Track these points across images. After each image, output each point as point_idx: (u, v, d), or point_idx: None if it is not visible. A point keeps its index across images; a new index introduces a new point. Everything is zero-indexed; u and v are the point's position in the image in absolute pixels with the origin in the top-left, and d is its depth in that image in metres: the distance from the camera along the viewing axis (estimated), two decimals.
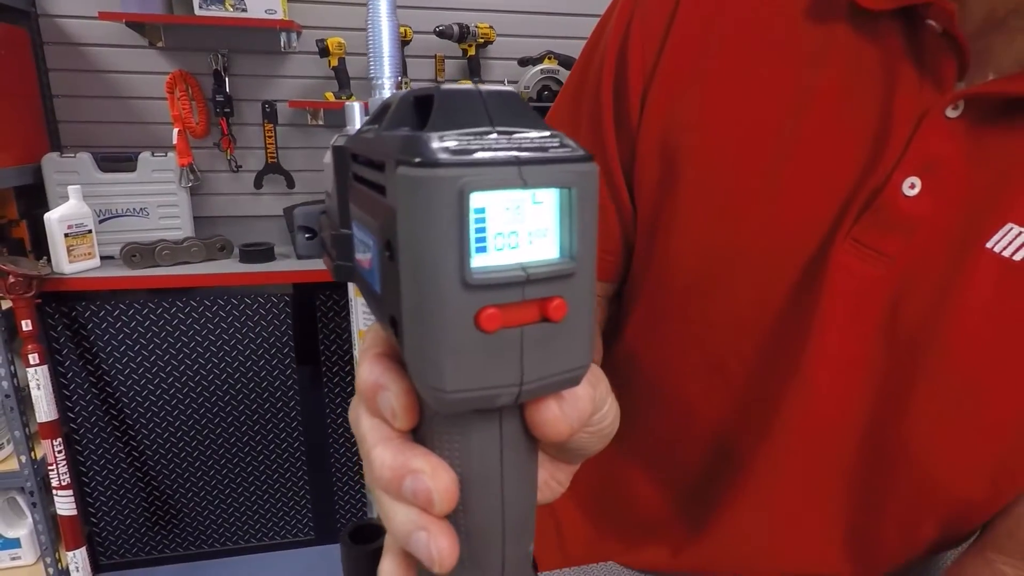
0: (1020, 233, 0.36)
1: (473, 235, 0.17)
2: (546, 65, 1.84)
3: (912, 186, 0.38)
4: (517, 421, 0.21)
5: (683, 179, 0.45)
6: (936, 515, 0.41)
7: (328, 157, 0.26)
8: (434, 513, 0.20)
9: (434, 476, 0.20)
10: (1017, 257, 0.36)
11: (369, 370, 0.22)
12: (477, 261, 0.17)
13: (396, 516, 0.21)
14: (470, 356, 0.17)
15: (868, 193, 0.39)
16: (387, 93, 0.49)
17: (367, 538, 0.29)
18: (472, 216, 0.17)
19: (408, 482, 0.20)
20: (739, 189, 0.43)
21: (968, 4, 0.36)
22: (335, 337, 1.96)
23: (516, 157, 0.17)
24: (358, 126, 0.60)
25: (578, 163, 0.18)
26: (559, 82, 1.84)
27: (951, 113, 0.37)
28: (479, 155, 0.17)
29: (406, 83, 1.87)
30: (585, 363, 0.20)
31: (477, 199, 0.17)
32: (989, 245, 0.36)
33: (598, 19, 0.53)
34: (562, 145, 0.18)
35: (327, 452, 2.05)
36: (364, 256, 0.22)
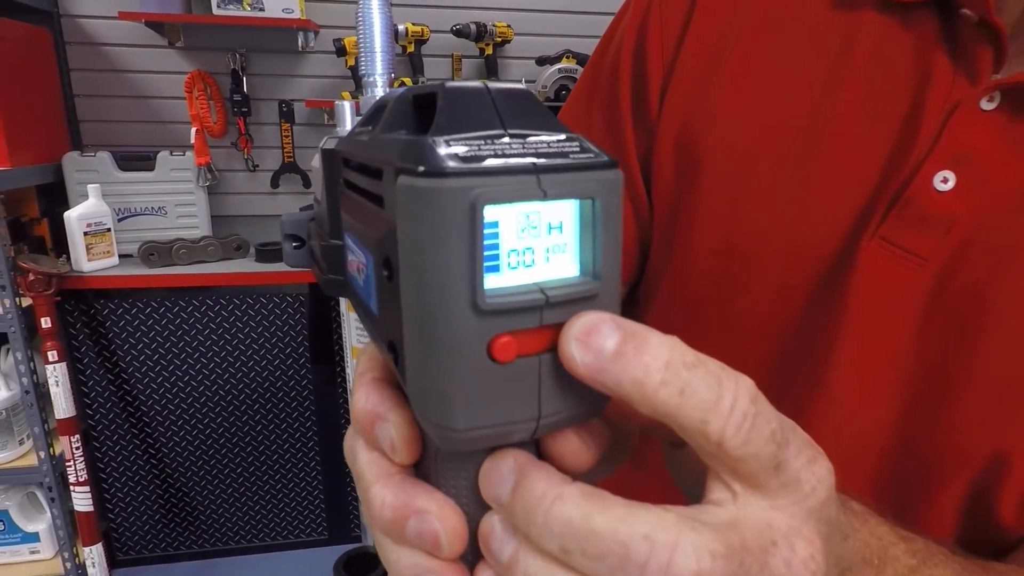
0: None
1: (485, 253, 0.15)
2: (564, 64, 1.82)
3: (945, 180, 0.36)
4: (531, 453, 0.19)
5: (703, 175, 0.43)
6: (958, 531, 0.39)
7: (317, 160, 0.24)
8: (443, 557, 0.18)
9: (441, 516, 0.18)
10: None
11: (366, 398, 0.20)
12: (490, 282, 0.15)
13: (400, 561, 0.19)
14: (482, 390, 0.16)
15: (896, 188, 0.37)
16: (380, 91, 0.48)
17: (363, 567, 0.27)
18: (484, 232, 0.15)
19: (412, 523, 0.18)
20: (760, 186, 0.41)
21: None
22: None
23: (533, 164, 0.15)
24: (349, 128, 0.58)
25: (602, 170, 0.16)
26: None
27: (986, 105, 0.35)
28: (491, 162, 0.15)
29: (423, 82, 1.86)
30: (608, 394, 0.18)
31: (491, 213, 0.15)
32: None
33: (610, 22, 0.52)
34: (583, 150, 0.16)
35: (341, 452, 2.04)
36: (358, 271, 0.21)
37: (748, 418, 0.16)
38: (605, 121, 0.49)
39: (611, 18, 0.53)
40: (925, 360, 0.37)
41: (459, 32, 1.80)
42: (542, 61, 1.86)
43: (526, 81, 1.95)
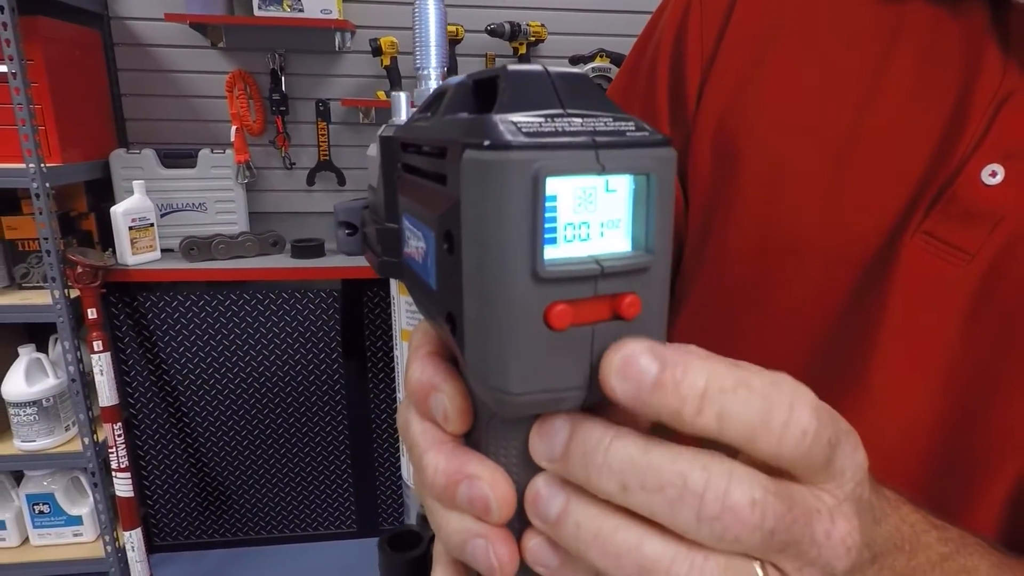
0: None
1: (544, 225, 0.16)
2: (598, 63, 1.82)
3: (993, 174, 0.35)
4: None
5: (740, 171, 0.43)
6: (1002, 532, 0.38)
7: (373, 149, 0.25)
8: (491, 522, 0.19)
9: (492, 482, 0.19)
10: None
11: (420, 370, 0.21)
12: (548, 253, 0.16)
13: (450, 524, 0.20)
14: (537, 355, 0.17)
15: (941, 182, 0.36)
16: (433, 84, 0.49)
17: (406, 545, 0.28)
18: (545, 204, 0.16)
19: (464, 488, 0.19)
20: (799, 182, 0.41)
21: None
22: (381, 333, 1.99)
23: (593, 140, 0.16)
24: (404, 118, 0.60)
25: (657, 147, 0.17)
26: (611, 81, 1.81)
27: None
28: (553, 138, 0.16)
29: None
30: None
31: (551, 185, 0.16)
32: None
33: (651, 15, 0.52)
34: (639, 129, 0.17)
35: (371, 446, 2.08)
36: (416, 250, 0.22)
37: (808, 435, 0.17)
38: (642, 116, 0.49)
39: (644, 17, 0.53)
40: (971, 358, 0.37)
41: (493, 32, 1.81)
42: (576, 60, 1.86)
43: None
